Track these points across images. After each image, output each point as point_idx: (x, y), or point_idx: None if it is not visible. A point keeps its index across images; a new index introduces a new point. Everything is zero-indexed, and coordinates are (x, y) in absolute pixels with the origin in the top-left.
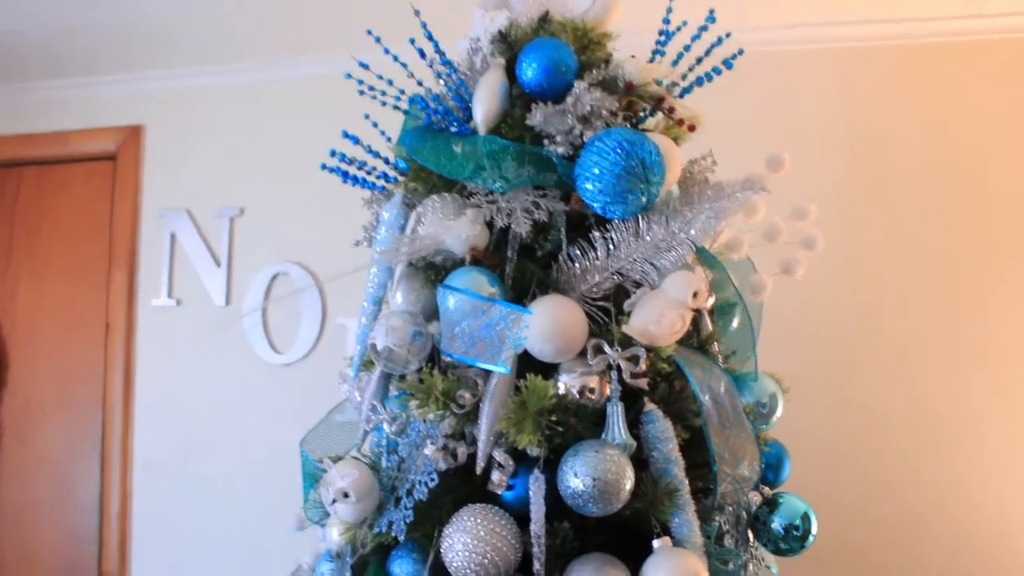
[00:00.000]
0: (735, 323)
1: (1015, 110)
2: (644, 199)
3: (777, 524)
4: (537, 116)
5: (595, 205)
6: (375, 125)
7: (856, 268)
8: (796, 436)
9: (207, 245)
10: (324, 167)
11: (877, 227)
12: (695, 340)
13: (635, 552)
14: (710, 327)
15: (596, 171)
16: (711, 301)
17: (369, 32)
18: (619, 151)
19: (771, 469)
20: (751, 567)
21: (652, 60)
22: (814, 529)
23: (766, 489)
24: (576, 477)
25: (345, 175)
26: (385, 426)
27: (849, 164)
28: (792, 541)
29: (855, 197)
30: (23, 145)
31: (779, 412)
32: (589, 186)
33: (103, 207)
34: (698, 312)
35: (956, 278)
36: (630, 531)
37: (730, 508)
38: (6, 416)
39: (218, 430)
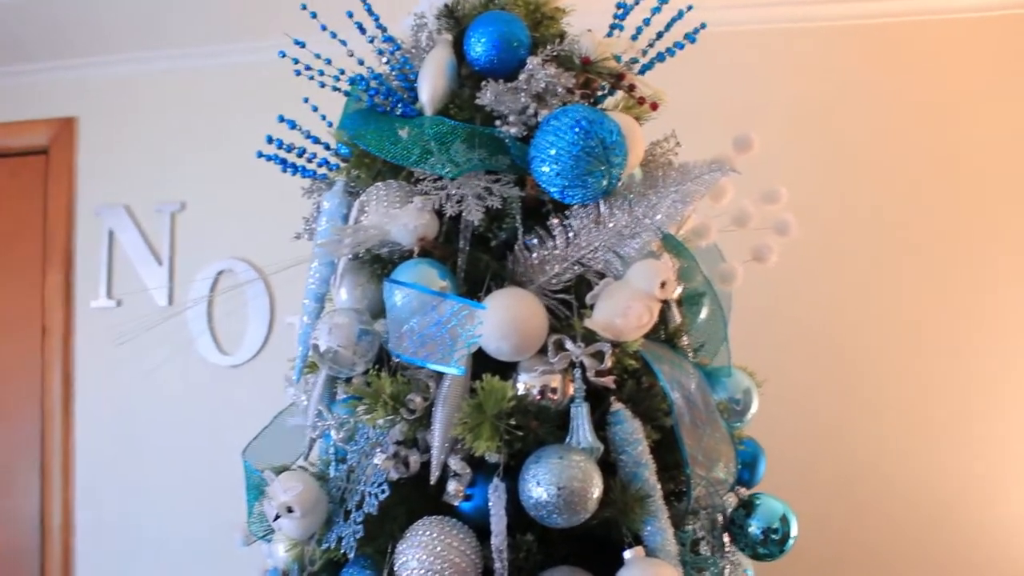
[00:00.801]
0: (703, 314)
1: (988, 86)
2: (605, 182)
3: (755, 528)
4: (488, 94)
5: (552, 189)
6: (315, 109)
7: (831, 254)
8: (771, 433)
9: (147, 242)
10: (260, 155)
11: (851, 210)
12: (663, 333)
13: (606, 563)
14: (678, 319)
15: (552, 152)
16: (679, 291)
17: (304, 7)
18: (577, 130)
19: (747, 468)
20: (728, 573)
21: (610, 35)
22: (794, 531)
23: (742, 490)
24: (539, 486)
25: (284, 163)
26: (332, 433)
27: (821, 145)
28: (771, 545)
29: (828, 179)
30: None
31: (754, 408)
32: (545, 168)
33: (35, 204)
34: (665, 303)
35: (935, 261)
36: (600, 541)
37: (705, 512)
38: None
39: (164, 436)
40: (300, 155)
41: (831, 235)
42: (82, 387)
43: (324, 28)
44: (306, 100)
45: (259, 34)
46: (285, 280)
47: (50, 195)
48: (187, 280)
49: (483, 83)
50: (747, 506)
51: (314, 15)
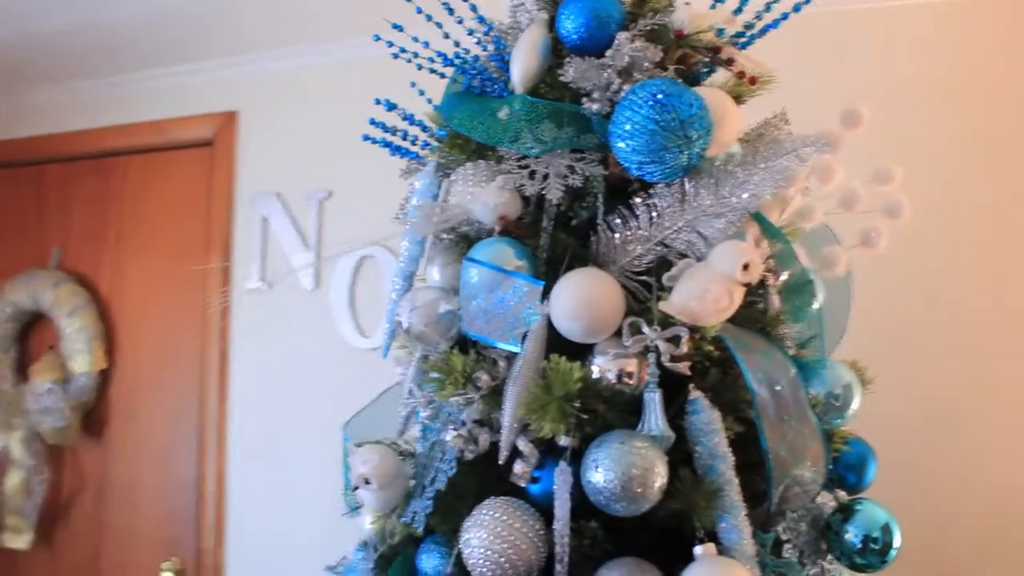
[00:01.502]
0: (815, 304)
1: None
2: (684, 158)
3: (852, 535)
4: (570, 71)
5: (630, 166)
6: (422, 93)
7: (950, 239)
8: (887, 434)
9: (297, 228)
10: (366, 138)
11: (977, 195)
12: (759, 322)
13: (677, 559)
14: (776, 306)
15: (628, 127)
16: (782, 278)
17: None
18: (652, 103)
19: (852, 471)
20: None
21: (713, 7)
22: (896, 542)
23: (841, 494)
24: (598, 471)
25: (390, 145)
26: (420, 410)
27: (943, 124)
28: (871, 555)
29: (947, 159)
30: (125, 135)
31: (855, 405)
32: (622, 144)
33: (201, 193)
34: (761, 289)
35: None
36: (672, 534)
37: (793, 514)
38: (114, 395)
39: (307, 413)
40: (404, 138)
41: (955, 222)
42: (236, 362)
43: (419, 11)
44: (413, 84)
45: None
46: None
47: (213, 184)
48: (332, 265)
49: (567, 59)
50: (845, 511)
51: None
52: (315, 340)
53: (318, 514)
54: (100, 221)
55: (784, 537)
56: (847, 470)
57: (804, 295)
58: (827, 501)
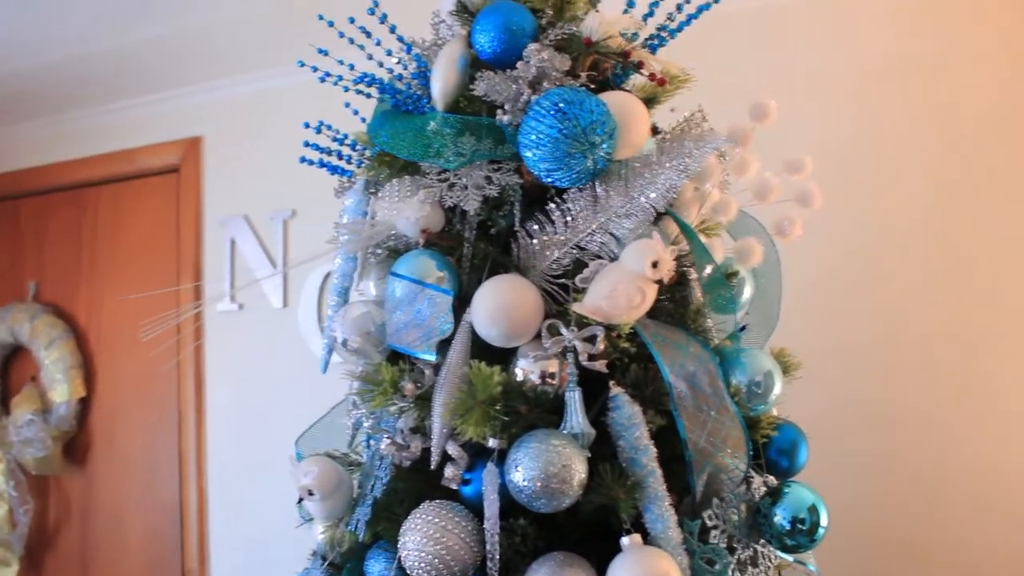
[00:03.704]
0: (745, 294)
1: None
2: (589, 162)
3: (781, 517)
4: (481, 85)
5: (539, 173)
6: (356, 113)
7: (862, 225)
8: (818, 418)
9: (264, 249)
10: (303, 160)
11: (881, 180)
12: (684, 316)
13: (609, 551)
14: (698, 299)
15: (533, 137)
16: (707, 271)
17: (320, 17)
18: (554, 113)
19: (784, 455)
20: (761, 565)
21: (626, 12)
22: (823, 521)
23: (770, 478)
24: (518, 470)
25: (324, 164)
26: (364, 421)
27: (848, 113)
28: (799, 536)
29: (855, 148)
30: (97, 165)
31: (777, 390)
32: (529, 153)
33: (170, 218)
34: (682, 283)
35: (968, 230)
36: (602, 528)
37: (721, 501)
38: (95, 423)
39: (282, 430)
40: (339, 158)
41: (875, 210)
42: (211, 384)
43: (342, 35)
44: (347, 104)
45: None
46: None
47: (181, 209)
48: (299, 283)
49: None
50: (774, 494)
51: (331, 24)
52: (287, 357)
53: (298, 531)
54: (75, 252)
55: (710, 523)
56: (779, 455)
57: (726, 287)
58: (759, 486)
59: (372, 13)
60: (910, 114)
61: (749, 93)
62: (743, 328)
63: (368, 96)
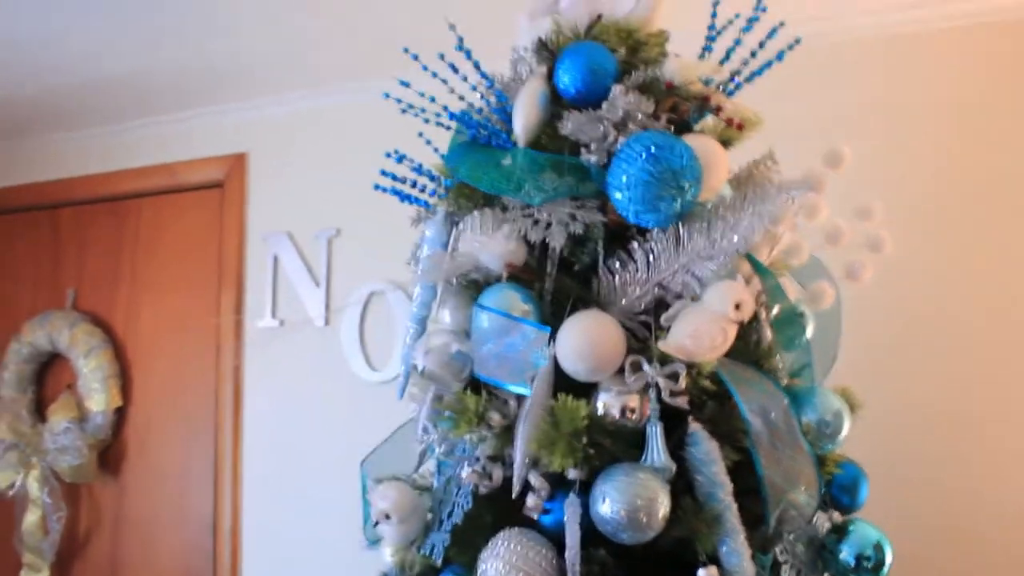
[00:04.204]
0: (807, 334)
1: None
2: (677, 206)
3: (846, 554)
4: (568, 124)
5: (627, 214)
6: (429, 143)
7: (932, 269)
8: (878, 458)
9: (307, 266)
10: (377, 187)
11: (960, 222)
12: (753, 355)
13: None
14: (768, 339)
15: (624, 179)
16: (774, 312)
17: (406, 50)
18: (646, 156)
19: (846, 492)
20: None
21: (701, 58)
22: (888, 559)
23: (836, 515)
24: (605, 502)
25: (399, 194)
26: (435, 447)
27: (928, 158)
28: (864, 572)
29: (927, 194)
30: (139, 178)
31: (846, 431)
32: (619, 195)
33: (212, 233)
34: (754, 324)
35: None
36: (677, 560)
37: (790, 536)
38: (130, 433)
39: (320, 447)
40: (413, 186)
41: (939, 249)
42: (250, 399)
43: (425, 68)
44: (420, 134)
45: (405, 69)
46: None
47: (224, 224)
48: (342, 301)
49: (565, 112)
50: (839, 531)
51: (415, 56)
52: (327, 375)
53: (333, 548)
54: (114, 262)
55: (781, 559)
56: (841, 492)
57: (795, 326)
58: (823, 522)
59: (460, 49)
60: (987, 157)
61: (816, 129)
62: (805, 367)
63: (447, 128)
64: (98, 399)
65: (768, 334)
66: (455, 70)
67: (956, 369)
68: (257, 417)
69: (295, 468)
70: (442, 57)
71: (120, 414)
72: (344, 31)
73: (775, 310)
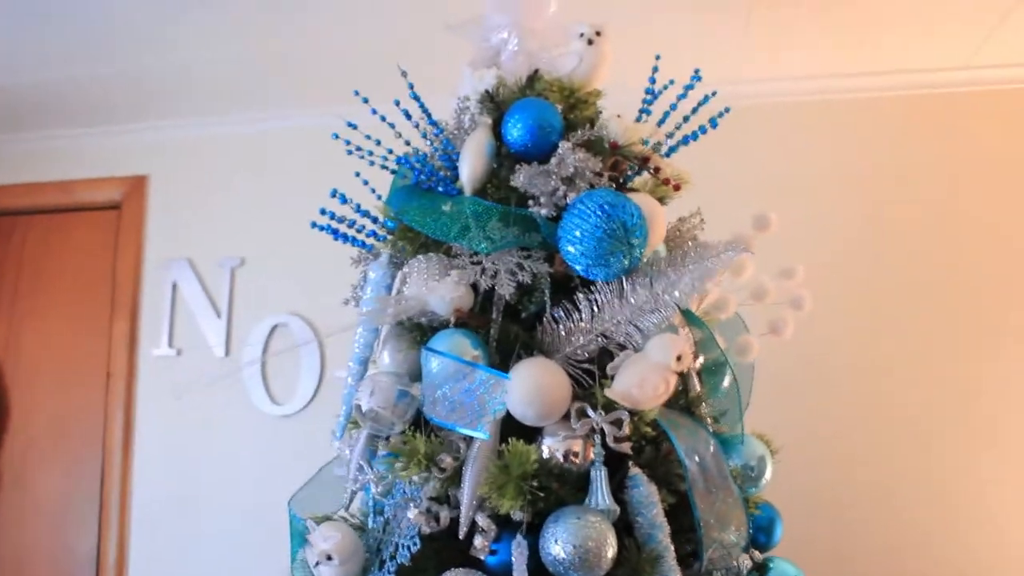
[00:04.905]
0: (725, 383)
1: (1013, 160)
2: (626, 261)
3: None
4: (521, 177)
5: (577, 267)
6: (366, 183)
7: (848, 326)
8: (789, 498)
9: (208, 295)
10: (314, 225)
11: (867, 284)
12: (682, 401)
13: None
14: (697, 388)
15: (577, 233)
16: (699, 362)
17: (356, 93)
18: (600, 213)
19: (762, 532)
20: None
21: (639, 119)
22: None
23: (756, 553)
24: (557, 544)
25: (335, 233)
26: (372, 487)
27: (851, 217)
28: None
29: (846, 252)
30: (29, 194)
31: (768, 475)
32: (571, 248)
33: (107, 255)
34: (685, 373)
35: (974, 335)
36: None
37: (719, 574)
38: (5, 462)
39: (217, 480)
40: (351, 226)
41: (852, 302)
42: (141, 430)
43: (375, 112)
44: (357, 174)
45: (319, 102)
46: (335, 335)
47: (120, 247)
48: (244, 332)
49: (518, 164)
50: (761, 569)
51: (365, 100)
52: (226, 407)
53: None
54: None
55: None
56: (758, 531)
57: (718, 375)
58: (744, 560)
59: (415, 97)
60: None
61: (738, 188)
62: (725, 412)
63: (385, 169)
64: None
65: (697, 383)
66: (408, 117)
67: (874, 423)
68: (149, 448)
69: (189, 502)
70: (397, 103)
71: None
72: (257, 60)
73: (701, 360)
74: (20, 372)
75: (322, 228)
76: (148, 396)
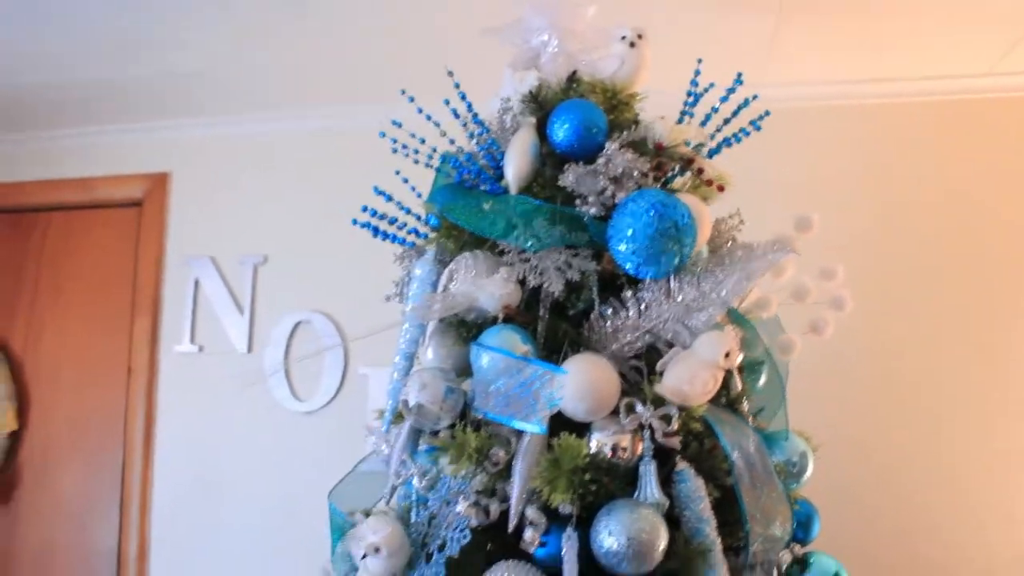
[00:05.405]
0: (762, 381)
1: None
2: (677, 260)
3: None
4: (569, 177)
5: (628, 266)
6: (406, 181)
7: (884, 327)
8: (824, 495)
9: (230, 292)
10: (355, 222)
11: (906, 285)
12: (724, 399)
13: None
14: (739, 386)
15: (630, 232)
16: (740, 360)
17: (403, 92)
18: (653, 213)
19: (801, 527)
20: None
21: (680, 121)
22: None
23: (797, 548)
24: (611, 536)
25: (376, 230)
26: (415, 481)
27: (877, 221)
28: None
29: (884, 255)
30: (50, 190)
31: (810, 471)
32: (622, 247)
33: (128, 253)
34: (728, 371)
35: (987, 336)
36: None
37: (761, 567)
38: (25, 458)
39: (238, 477)
40: (392, 223)
41: (886, 308)
42: (162, 426)
43: (420, 111)
44: (397, 172)
45: (345, 102)
46: (358, 332)
47: (142, 244)
48: (266, 329)
49: (565, 164)
50: (801, 563)
51: (411, 99)
52: (247, 403)
53: None
54: (16, 278)
55: None
56: (797, 527)
57: (756, 374)
58: (784, 555)
59: (463, 97)
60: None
61: (774, 193)
62: (761, 410)
63: (428, 166)
64: None
65: (739, 381)
66: (457, 115)
67: (899, 412)
68: (170, 444)
69: (209, 497)
70: (447, 103)
71: (15, 438)
72: (281, 59)
73: (741, 358)
74: (41, 369)
75: (363, 225)
76: (169, 392)
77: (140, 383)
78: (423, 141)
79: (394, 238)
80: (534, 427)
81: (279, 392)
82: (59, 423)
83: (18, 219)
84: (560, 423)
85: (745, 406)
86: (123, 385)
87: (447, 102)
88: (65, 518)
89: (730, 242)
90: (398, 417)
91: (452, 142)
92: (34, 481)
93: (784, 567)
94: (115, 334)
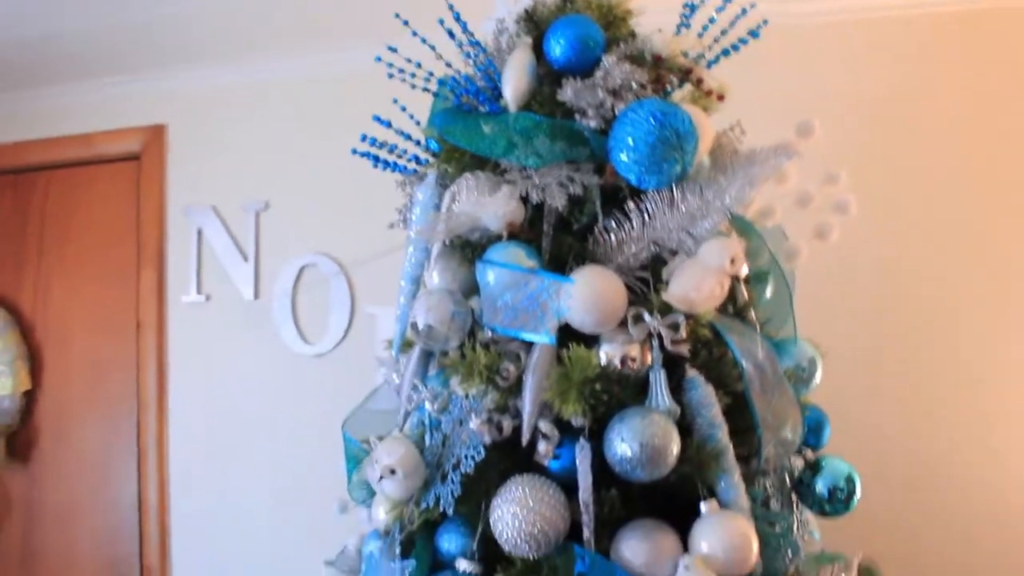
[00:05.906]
0: (769, 290)
1: None
2: (679, 168)
3: (821, 486)
4: (568, 91)
5: (630, 176)
6: (404, 109)
7: (889, 231)
8: (832, 402)
9: (234, 240)
10: (355, 152)
11: (909, 191)
12: (732, 309)
13: (681, 518)
14: (745, 295)
15: (630, 141)
16: (745, 270)
17: (397, 16)
18: (652, 121)
19: (812, 433)
20: (796, 529)
21: (678, 33)
22: (858, 490)
23: (808, 452)
24: (624, 443)
25: (376, 159)
26: (427, 404)
27: (877, 130)
28: (837, 503)
29: (884, 161)
30: (49, 148)
31: (819, 376)
32: (623, 157)
33: (129, 207)
34: (733, 280)
35: (991, 241)
36: (676, 497)
37: (774, 472)
38: (41, 417)
39: (251, 422)
40: (392, 151)
41: (890, 213)
42: (174, 377)
43: (415, 34)
44: (395, 101)
45: (336, 42)
46: (364, 272)
47: (143, 198)
48: (272, 275)
49: (562, 80)
50: (814, 467)
51: (406, 23)
52: (257, 349)
53: (264, 523)
54: (20, 239)
55: (769, 492)
56: (808, 433)
57: (762, 283)
58: (795, 460)
59: (458, 18)
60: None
61: (775, 106)
62: (768, 320)
63: (426, 91)
64: (4, 383)
65: (744, 290)
66: (452, 36)
67: (904, 319)
68: (183, 394)
69: (225, 443)
70: (442, 22)
71: (29, 398)
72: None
73: (746, 268)
74: (51, 328)
75: (363, 155)
76: (179, 343)
77: (150, 335)
78: (419, 65)
79: (395, 166)
80: (543, 338)
81: (287, 336)
82: (73, 380)
83: (18, 179)
84: (569, 336)
85: (752, 315)
86: (133, 338)
87: (442, 22)
88: (85, 472)
89: (732, 154)
90: (407, 344)
91: (448, 65)
92: (52, 438)
93: (797, 472)
94: (122, 288)
